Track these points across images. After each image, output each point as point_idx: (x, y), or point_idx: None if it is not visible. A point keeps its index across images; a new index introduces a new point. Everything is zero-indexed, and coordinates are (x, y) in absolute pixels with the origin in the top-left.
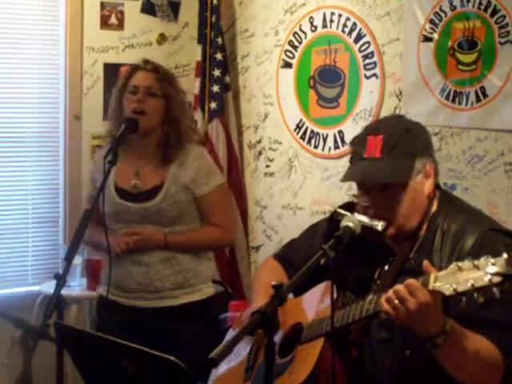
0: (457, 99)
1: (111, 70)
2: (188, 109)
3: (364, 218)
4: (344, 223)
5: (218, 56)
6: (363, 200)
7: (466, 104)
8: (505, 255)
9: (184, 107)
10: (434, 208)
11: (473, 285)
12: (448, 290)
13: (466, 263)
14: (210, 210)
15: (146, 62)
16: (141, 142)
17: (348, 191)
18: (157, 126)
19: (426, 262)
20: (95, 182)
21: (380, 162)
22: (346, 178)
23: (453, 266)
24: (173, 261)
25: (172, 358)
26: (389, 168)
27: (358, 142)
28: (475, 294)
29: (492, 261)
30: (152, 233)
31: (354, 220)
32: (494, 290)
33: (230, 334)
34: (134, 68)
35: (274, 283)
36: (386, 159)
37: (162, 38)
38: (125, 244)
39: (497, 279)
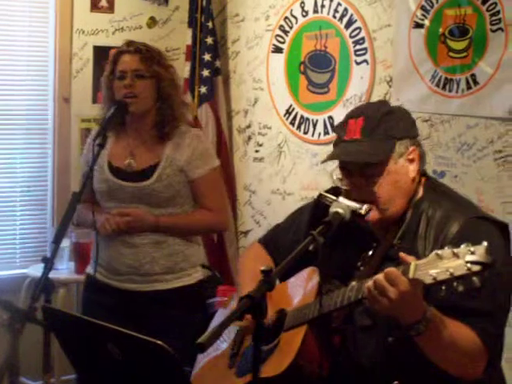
0: (447, 86)
1: (101, 53)
2: (179, 84)
3: (349, 202)
4: (333, 209)
5: (209, 40)
6: (346, 183)
7: (457, 91)
8: (484, 243)
9: (174, 83)
10: (420, 194)
11: (452, 273)
12: (428, 278)
13: (446, 251)
14: (204, 194)
15: (129, 43)
16: (136, 123)
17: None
18: (150, 106)
19: (401, 254)
20: (88, 165)
21: (359, 143)
22: (325, 159)
23: (433, 255)
24: (163, 244)
25: (159, 342)
26: (368, 148)
27: (340, 126)
28: (455, 283)
29: (471, 249)
30: (144, 215)
31: (343, 206)
32: (474, 278)
33: (217, 319)
34: (119, 52)
35: (263, 268)
36: (365, 140)
37: (152, 22)
38: (115, 224)
39: (476, 268)
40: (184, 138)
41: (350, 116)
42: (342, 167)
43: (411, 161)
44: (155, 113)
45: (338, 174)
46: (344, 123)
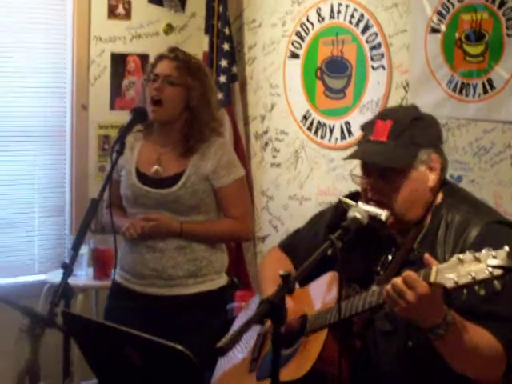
0: (464, 91)
1: (118, 60)
2: (212, 100)
3: (368, 208)
4: (351, 214)
5: (225, 46)
6: (363, 182)
7: (473, 96)
8: (506, 248)
9: (206, 98)
10: (439, 199)
11: (474, 277)
12: (449, 282)
13: (468, 255)
14: (229, 203)
15: (171, 49)
16: (163, 130)
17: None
18: (177, 115)
19: (427, 256)
20: (116, 171)
21: (384, 146)
22: (348, 157)
23: (454, 259)
24: (187, 249)
25: (179, 347)
26: (391, 153)
27: (368, 125)
28: (476, 287)
29: (493, 253)
30: (169, 220)
31: (361, 210)
32: (495, 282)
33: (237, 324)
34: (159, 57)
35: (281, 273)
36: (390, 144)
37: (169, 28)
38: (140, 228)
39: (498, 272)
40: (210, 147)
41: (380, 117)
42: (363, 166)
43: (432, 169)
44: (183, 124)
45: (358, 171)
46: (372, 123)
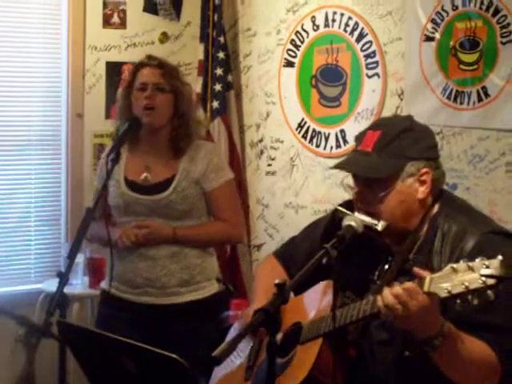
0: (458, 99)
1: (113, 69)
2: (195, 102)
3: (364, 217)
4: (346, 222)
5: (221, 55)
6: (353, 192)
7: (468, 104)
8: (499, 257)
9: (191, 100)
10: (436, 209)
11: (467, 287)
12: (443, 291)
13: (461, 265)
14: (219, 205)
15: (150, 57)
16: (151, 138)
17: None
18: (166, 121)
19: (415, 269)
20: (102, 181)
21: (367, 157)
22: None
23: (448, 268)
24: (180, 255)
25: (174, 356)
26: (374, 164)
27: (359, 136)
28: (469, 296)
29: (486, 263)
30: (161, 226)
31: (356, 219)
32: (489, 292)
33: (232, 333)
34: (140, 65)
35: (277, 282)
36: (374, 155)
37: (164, 37)
38: (134, 236)
39: (491, 281)
40: (199, 151)
41: (370, 127)
42: (352, 176)
43: (422, 182)
44: (170, 129)
45: (350, 181)
46: (363, 134)
